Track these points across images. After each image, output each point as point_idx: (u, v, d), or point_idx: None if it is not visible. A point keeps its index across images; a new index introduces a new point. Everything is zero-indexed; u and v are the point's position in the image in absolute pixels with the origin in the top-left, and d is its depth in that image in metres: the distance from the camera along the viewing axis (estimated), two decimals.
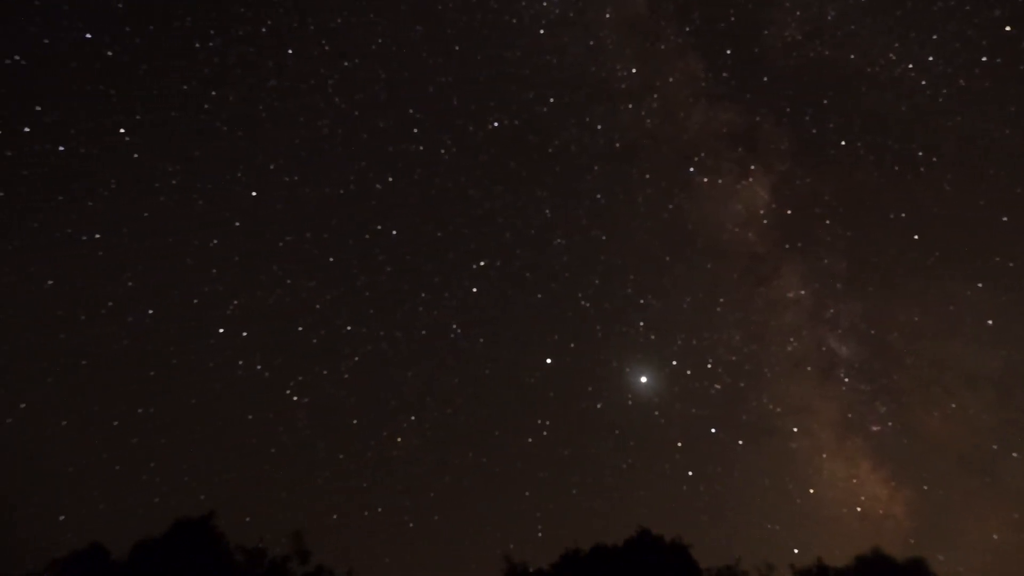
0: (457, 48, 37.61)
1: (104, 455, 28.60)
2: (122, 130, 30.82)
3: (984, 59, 35.29)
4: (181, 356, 30.53)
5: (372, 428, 32.54)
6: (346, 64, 35.88)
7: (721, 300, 37.59)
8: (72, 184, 29.80)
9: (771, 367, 36.17)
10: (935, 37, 36.04)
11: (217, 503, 26.85)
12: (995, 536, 30.94)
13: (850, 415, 34.92)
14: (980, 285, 34.81)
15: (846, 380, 35.55)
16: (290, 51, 34.84)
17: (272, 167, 34.55)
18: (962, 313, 34.88)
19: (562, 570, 24.01)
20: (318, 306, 33.53)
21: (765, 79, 38.93)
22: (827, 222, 37.57)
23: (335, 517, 30.21)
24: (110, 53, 30.63)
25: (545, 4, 37.59)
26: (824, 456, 34.05)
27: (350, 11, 35.90)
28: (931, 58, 36.14)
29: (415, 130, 36.88)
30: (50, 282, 28.88)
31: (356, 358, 33.28)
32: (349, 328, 33.74)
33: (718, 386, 35.47)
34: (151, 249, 31.40)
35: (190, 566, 21.01)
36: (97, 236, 29.85)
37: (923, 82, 36.46)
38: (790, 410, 35.14)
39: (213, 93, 33.01)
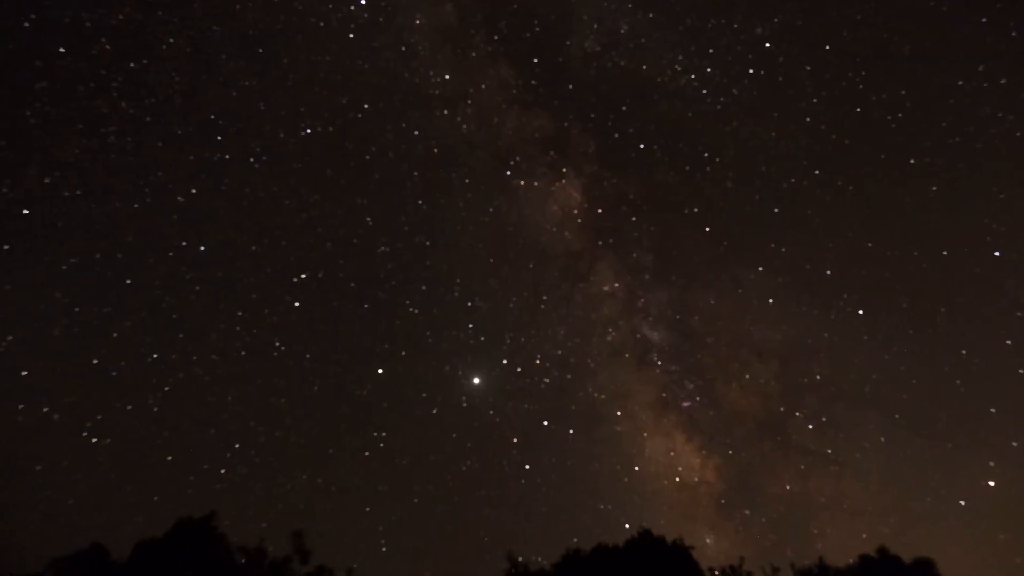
0: (260, 51, 35.81)
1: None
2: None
3: (751, 71, 40.39)
4: None
5: (193, 461, 30.48)
6: (132, 65, 32.38)
7: (544, 298, 39.16)
8: None
9: (594, 358, 38.55)
10: (711, 51, 40.50)
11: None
12: (788, 487, 35.43)
13: (664, 394, 38.14)
14: (761, 269, 39.40)
15: (659, 363, 38.91)
16: (62, 49, 30.99)
17: (47, 180, 30.57)
18: (749, 295, 39.32)
19: (563, 570, 23.94)
20: (115, 335, 30.42)
21: (570, 87, 41.66)
22: (633, 219, 41.01)
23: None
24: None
25: (353, 8, 37.03)
26: (645, 435, 36.91)
27: (133, 7, 32.56)
28: (709, 70, 40.56)
29: (219, 137, 34.23)
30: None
31: (166, 388, 30.56)
32: (156, 356, 30.88)
33: (547, 380, 37.26)
34: None
35: (191, 566, 20.91)
36: None
37: (704, 91, 40.80)
38: (613, 396, 37.61)
39: None
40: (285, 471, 31.90)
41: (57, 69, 30.86)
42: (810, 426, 36.40)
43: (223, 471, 30.32)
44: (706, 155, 41.11)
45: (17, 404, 27.64)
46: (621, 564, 23.57)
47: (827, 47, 39.69)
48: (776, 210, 39.99)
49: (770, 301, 38.81)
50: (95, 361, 29.67)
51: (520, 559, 24.06)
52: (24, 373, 27.96)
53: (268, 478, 31.34)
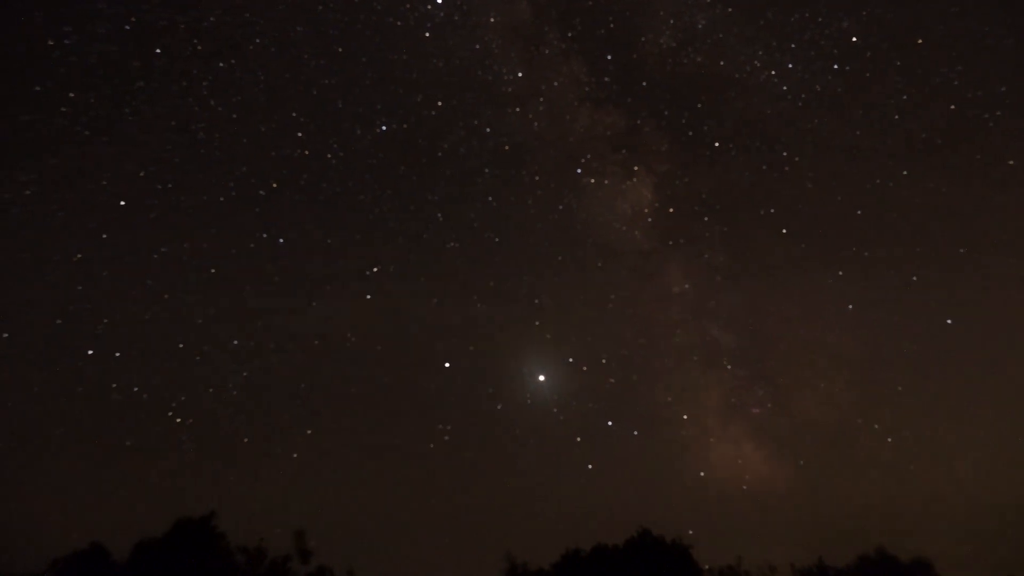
0: (340, 50, 36.65)
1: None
2: None
3: (835, 66, 38.43)
4: (44, 382, 29.80)
5: (265, 444, 31.91)
6: (221, 64, 33.95)
7: (612, 297, 38.26)
8: None
9: (660, 359, 37.49)
10: (793, 46, 38.56)
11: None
12: (863, 502, 33.17)
13: (733, 400, 36.43)
14: (841, 273, 37.28)
15: (728, 367, 37.10)
16: (158, 50, 32.77)
17: (142, 174, 32.41)
18: (826, 300, 37.40)
19: (563, 570, 24.04)
20: (200, 320, 32.26)
21: (644, 84, 40.45)
22: (706, 219, 39.33)
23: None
24: None
25: (429, 7, 37.15)
26: (712, 440, 35.42)
27: (223, 9, 33.92)
28: (790, 65, 38.64)
29: (299, 134, 35.47)
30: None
31: (244, 374, 32.22)
32: (236, 342, 32.61)
33: (612, 380, 36.27)
34: (3, 266, 30.27)
35: (191, 566, 20.98)
36: None
37: (784, 87, 38.98)
38: (680, 399, 36.39)
39: (72, 95, 31.13)
40: (354, 459, 33.07)
41: (153, 69, 32.77)
42: (889, 439, 34.39)
43: (295, 455, 31.62)
44: (784, 154, 39.11)
45: (111, 383, 29.61)
46: (621, 563, 23.67)
47: (919, 41, 37.20)
48: (859, 212, 37.90)
49: (849, 307, 36.78)
50: (181, 345, 31.63)
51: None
52: (117, 354, 30.00)
53: (339, 464, 32.63)
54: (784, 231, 38.36)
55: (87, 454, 28.96)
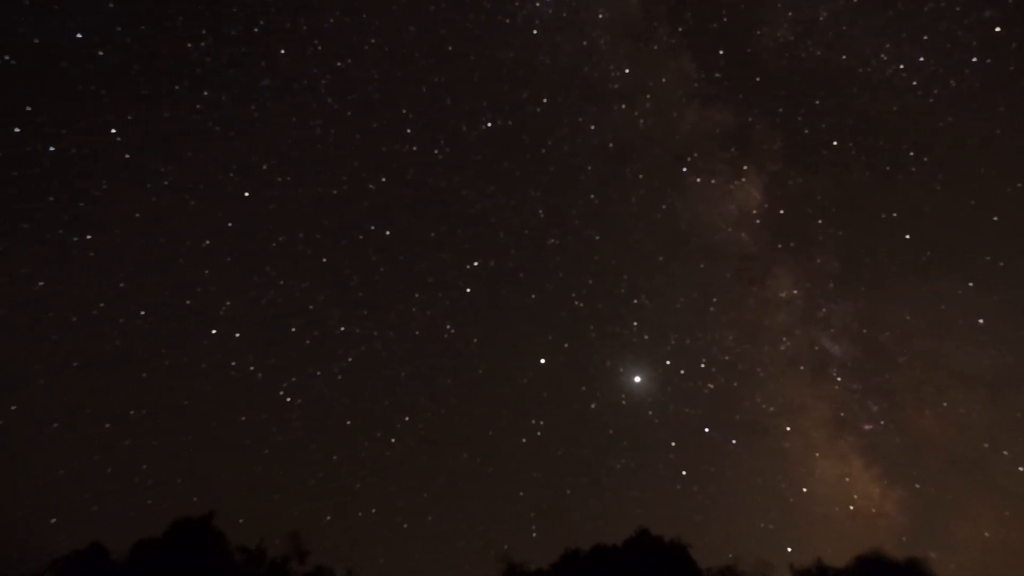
0: (450, 48, 37.75)
1: (102, 455, 29.18)
2: (113, 130, 31.29)
3: (974, 60, 35.70)
4: (173, 357, 31.50)
5: (366, 429, 33.16)
6: (338, 64, 36.09)
7: (714, 300, 37.50)
8: (63, 185, 30.54)
9: (764, 367, 36.13)
10: (926, 38, 36.35)
11: (217, 503, 28.41)
12: (986, 534, 31.22)
13: (842, 414, 34.94)
14: (971, 285, 34.78)
15: (838, 379, 35.51)
16: (283, 51, 35.09)
17: (264, 167, 34.77)
18: (954, 313, 34.97)
19: (562, 570, 24.02)
20: (311, 307, 34.26)
21: (758, 79, 38.98)
22: (819, 222, 37.72)
23: (333, 517, 30.48)
24: (101, 53, 31.32)
25: (538, 4, 37.75)
26: (817, 455, 34.06)
27: (342, 11, 36.03)
28: (922, 59, 36.41)
29: (408, 130, 37.06)
30: (41, 283, 29.92)
31: (350, 359, 33.97)
32: (343, 329, 34.42)
33: (711, 385, 35.37)
34: (143, 250, 32.36)
35: (190, 566, 21.00)
36: (88, 237, 30.79)
37: (914, 82, 36.61)
38: (783, 409, 35.08)
39: (205, 93, 33.53)
40: (449, 448, 33.83)
41: (277, 68, 35.42)
42: (1021, 468, 31.66)
43: (393, 440, 32.87)
44: (912, 154, 36.54)
45: (231, 361, 31.80)
46: (620, 563, 23.68)
47: None
48: (995, 218, 34.85)
49: (980, 321, 33.92)
50: (293, 329, 33.66)
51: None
52: (237, 335, 32.29)
53: (434, 452, 33.58)
54: (907, 237, 35.78)
55: (197, 430, 30.56)
